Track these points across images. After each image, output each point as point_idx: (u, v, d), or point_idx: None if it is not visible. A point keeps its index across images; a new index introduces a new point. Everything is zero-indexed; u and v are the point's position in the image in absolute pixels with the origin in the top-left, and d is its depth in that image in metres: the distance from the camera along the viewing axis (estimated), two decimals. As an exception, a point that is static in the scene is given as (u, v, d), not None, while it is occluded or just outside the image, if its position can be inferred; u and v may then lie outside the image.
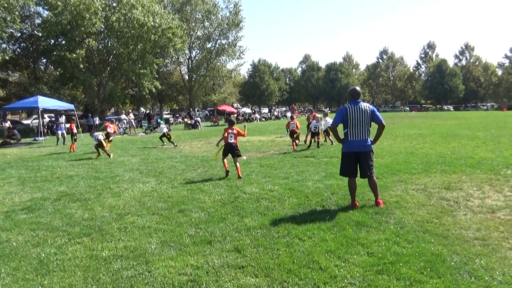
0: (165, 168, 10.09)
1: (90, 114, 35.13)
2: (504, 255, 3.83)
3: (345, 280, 3.38)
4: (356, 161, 5.65)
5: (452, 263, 3.65)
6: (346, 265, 3.68)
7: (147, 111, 37.53)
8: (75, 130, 16.31)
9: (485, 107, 77.77)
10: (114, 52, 35.32)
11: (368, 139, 5.63)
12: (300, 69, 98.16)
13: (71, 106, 24.14)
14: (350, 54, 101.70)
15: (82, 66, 31.21)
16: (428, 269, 3.54)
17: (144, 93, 38.20)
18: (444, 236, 4.38)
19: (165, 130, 17.22)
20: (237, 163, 8.47)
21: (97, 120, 33.86)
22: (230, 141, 8.50)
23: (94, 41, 31.88)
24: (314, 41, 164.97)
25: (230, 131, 8.56)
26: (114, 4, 33.14)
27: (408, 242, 4.20)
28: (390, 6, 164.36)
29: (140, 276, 3.60)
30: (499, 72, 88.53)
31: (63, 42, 32.21)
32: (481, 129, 20.39)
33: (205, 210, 5.74)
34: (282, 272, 3.57)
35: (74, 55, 29.45)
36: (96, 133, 13.37)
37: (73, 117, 18.79)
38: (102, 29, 33.36)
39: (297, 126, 14.05)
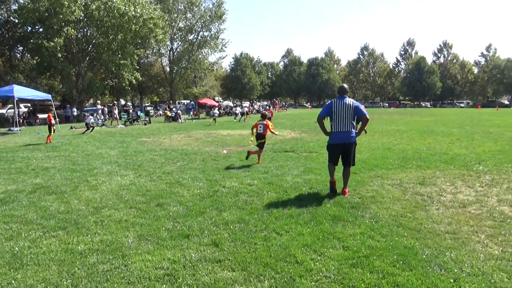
0: (144, 161, 9.99)
1: (68, 105, 34.34)
2: (473, 248, 3.98)
3: (321, 274, 3.45)
4: (339, 152, 6.18)
5: (424, 256, 3.77)
6: (322, 259, 3.75)
7: (124, 103, 36.96)
8: (53, 121, 15.91)
9: (462, 104, 79.94)
10: (94, 41, 34.53)
11: (353, 130, 6.09)
12: (282, 63, 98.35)
13: (48, 96, 23.55)
14: (331, 50, 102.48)
15: (60, 55, 30.43)
16: (401, 262, 3.64)
17: (124, 85, 37.52)
18: (417, 230, 4.52)
19: (91, 120, 20.34)
20: (260, 153, 9.51)
21: (75, 111, 33.14)
22: (259, 131, 9.42)
23: (73, 30, 31.07)
24: (297, 36, 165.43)
25: (259, 122, 9.53)
26: (94, -8, 32.33)
27: (382, 236, 4.31)
28: (372, 3, 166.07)
29: (116, 270, 3.57)
30: (475, 70, 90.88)
31: (41, 29, 31.30)
32: (456, 126, 20.96)
33: (184, 204, 5.73)
34: (259, 265, 3.61)
35: (52, 43, 28.65)
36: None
37: (51, 108, 18.30)
38: (81, 18, 32.54)
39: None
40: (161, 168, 8.82)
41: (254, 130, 9.63)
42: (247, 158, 9.37)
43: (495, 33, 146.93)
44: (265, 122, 9.50)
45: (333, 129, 6.12)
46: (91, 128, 19.88)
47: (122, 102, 40.27)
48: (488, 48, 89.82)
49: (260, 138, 9.46)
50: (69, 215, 5.28)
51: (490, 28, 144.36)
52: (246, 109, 35.83)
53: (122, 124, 26.67)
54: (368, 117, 6.09)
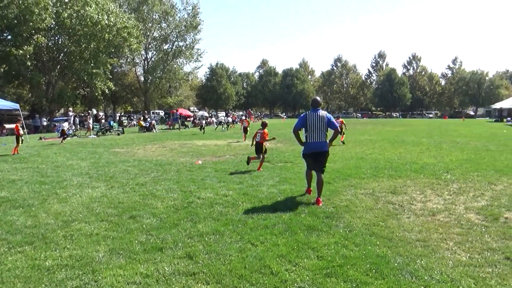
0: (117, 172, 9.77)
1: (37, 115, 33.29)
2: (442, 255, 4.09)
3: (295, 284, 3.45)
4: (314, 159, 6.49)
5: (396, 264, 3.85)
6: (297, 269, 3.76)
7: (96, 113, 36.10)
8: (20, 132, 15.33)
9: (431, 115, 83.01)
10: (65, 50, 33.80)
11: (325, 141, 6.46)
12: (257, 74, 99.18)
13: (16, 106, 22.78)
14: (306, 61, 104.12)
15: (29, 64, 29.61)
16: (373, 270, 3.70)
17: (96, 94, 36.74)
18: (389, 238, 4.61)
19: (66, 127, 20.22)
20: (262, 159, 10.05)
21: (44, 121, 32.17)
22: (256, 139, 10.01)
23: (43, 38, 30.31)
24: (272, 47, 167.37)
25: (259, 131, 10.09)
26: (66, 0, 31.71)
27: (356, 245, 4.38)
28: (345, 16, 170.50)
29: (85, 286, 3.46)
30: (443, 82, 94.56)
31: (9, 37, 30.38)
32: (425, 136, 21.64)
33: (157, 216, 5.63)
34: (234, 278, 3.58)
35: (20, 51, 27.86)
36: None
37: (18, 118, 17.67)
38: (52, 25, 31.83)
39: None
40: (134, 180, 8.65)
41: (254, 138, 10.24)
42: (248, 163, 9.96)
43: (460, 47, 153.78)
44: (262, 131, 10.02)
45: (308, 140, 6.45)
46: (65, 137, 19.43)
47: (94, 111, 39.30)
48: (454, 61, 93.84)
49: (259, 146, 9.95)
50: (37, 229, 5.09)
51: (456, 42, 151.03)
52: (230, 118, 36.51)
53: (94, 135, 26.05)
54: (339, 130, 6.66)
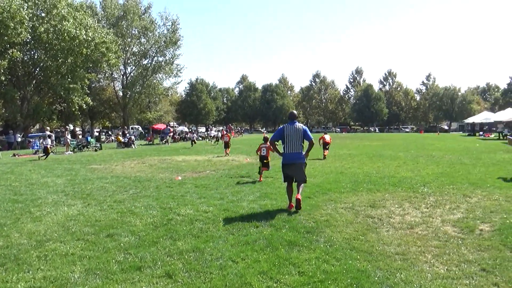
0: (94, 189, 9.55)
1: (11, 131, 32.34)
2: (421, 268, 4.15)
3: (277, 301, 3.42)
4: (291, 170, 6.85)
5: (376, 278, 3.87)
6: (278, 286, 3.73)
7: (73, 128, 35.42)
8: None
9: (407, 129, 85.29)
10: (41, 64, 33.14)
11: (302, 152, 6.87)
12: (237, 89, 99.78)
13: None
14: (285, 77, 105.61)
15: (3, 78, 28.81)
16: (354, 285, 3.71)
17: (73, 109, 35.99)
18: (369, 252, 4.65)
19: (49, 144, 20.10)
20: (263, 171, 10.85)
21: (19, 137, 31.25)
22: (262, 154, 10.85)
23: (18, 52, 29.63)
24: (251, 62, 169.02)
25: (262, 146, 11.01)
26: (43, 15, 31.26)
27: (337, 260, 4.39)
28: (323, 32, 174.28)
29: (60, 308, 3.33)
30: (418, 98, 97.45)
31: (-18, 51, 29.59)
32: (402, 150, 22.12)
33: (136, 234, 5.51)
34: (214, 296, 3.52)
35: (-6, 65, 27.15)
36: None
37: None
38: (28, 40, 31.20)
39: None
40: (112, 197, 8.47)
41: (259, 153, 11.16)
42: (259, 173, 10.79)
43: (433, 63, 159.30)
44: (267, 145, 10.82)
45: (285, 151, 6.88)
46: (47, 155, 19.04)
47: (71, 127, 38.47)
48: (428, 77, 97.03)
49: (264, 159, 10.76)
50: (9, 250, 4.89)
51: (429, 58, 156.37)
52: (219, 133, 38.38)
53: (71, 151, 25.45)
54: (313, 142, 7.00)
